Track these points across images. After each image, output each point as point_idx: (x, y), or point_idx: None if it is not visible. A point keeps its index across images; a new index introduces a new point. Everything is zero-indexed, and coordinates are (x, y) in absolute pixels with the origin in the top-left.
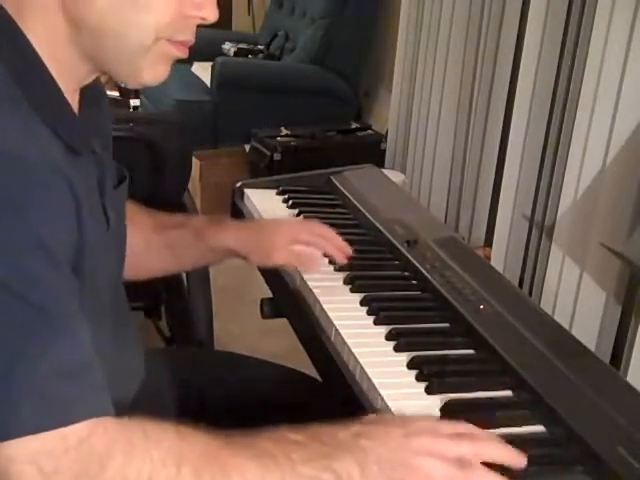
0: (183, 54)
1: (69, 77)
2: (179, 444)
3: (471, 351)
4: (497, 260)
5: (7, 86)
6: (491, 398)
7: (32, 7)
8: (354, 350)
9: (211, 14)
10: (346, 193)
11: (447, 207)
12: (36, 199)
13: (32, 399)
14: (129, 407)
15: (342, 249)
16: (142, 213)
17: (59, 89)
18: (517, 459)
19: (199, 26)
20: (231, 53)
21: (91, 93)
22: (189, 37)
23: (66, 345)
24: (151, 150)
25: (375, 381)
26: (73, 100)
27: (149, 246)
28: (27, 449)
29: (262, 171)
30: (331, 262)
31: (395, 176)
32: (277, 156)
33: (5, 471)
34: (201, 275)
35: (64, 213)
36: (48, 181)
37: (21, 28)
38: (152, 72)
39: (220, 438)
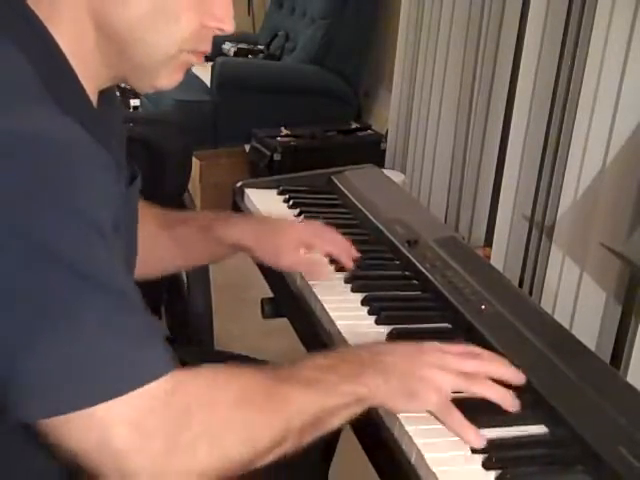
0: (200, 62)
1: (90, 79)
2: (243, 383)
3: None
4: (497, 260)
5: (31, 78)
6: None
7: (60, 10)
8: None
9: (229, 26)
10: (346, 193)
11: (447, 207)
12: (82, 178)
13: (104, 364)
14: None
15: (349, 253)
16: (148, 208)
17: (81, 85)
18: (516, 377)
19: None
20: (231, 53)
21: (107, 94)
22: (208, 48)
23: (126, 312)
24: (151, 150)
25: None
26: (93, 98)
27: (156, 242)
28: (120, 413)
29: (262, 171)
30: (333, 262)
31: (395, 176)
32: (277, 156)
33: (104, 437)
34: (201, 275)
35: (108, 184)
36: (89, 159)
37: (47, 27)
38: (169, 79)
39: (269, 372)
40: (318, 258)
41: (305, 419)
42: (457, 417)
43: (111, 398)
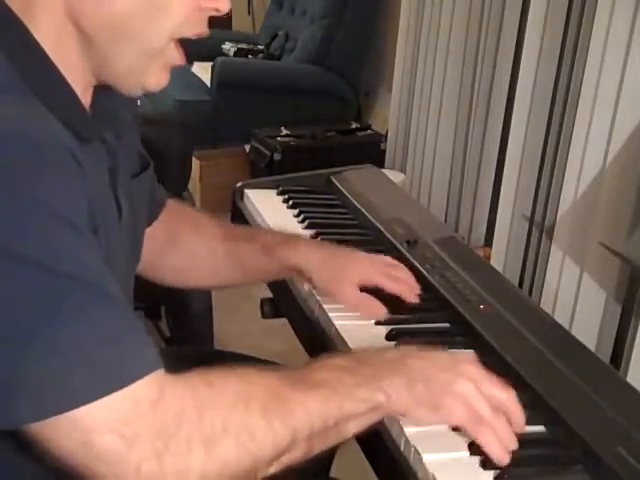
0: (182, 61)
1: (78, 79)
2: (242, 386)
3: (471, 351)
4: (497, 260)
5: (11, 77)
6: None
7: (38, 12)
8: (354, 350)
9: (225, 5)
10: (346, 193)
11: (447, 207)
12: (47, 175)
13: (82, 366)
14: None
15: (413, 288)
16: (211, 223)
17: (67, 83)
18: (521, 427)
19: None
20: (231, 53)
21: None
22: (203, 29)
23: (103, 308)
24: (151, 150)
25: None
26: (85, 95)
27: (214, 254)
28: (103, 418)
29: (262, 171)
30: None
31: (395, 176)
32: (277, 156)
33: (88, 442)
34: None
35: (76, 186)
36: (56, 157)
37: (27, 26)
38: (158, 78)
39: (276, 374)
40: (373, 301)
41: (314, 425)
42: (487, 433)
43: (90, 401)
